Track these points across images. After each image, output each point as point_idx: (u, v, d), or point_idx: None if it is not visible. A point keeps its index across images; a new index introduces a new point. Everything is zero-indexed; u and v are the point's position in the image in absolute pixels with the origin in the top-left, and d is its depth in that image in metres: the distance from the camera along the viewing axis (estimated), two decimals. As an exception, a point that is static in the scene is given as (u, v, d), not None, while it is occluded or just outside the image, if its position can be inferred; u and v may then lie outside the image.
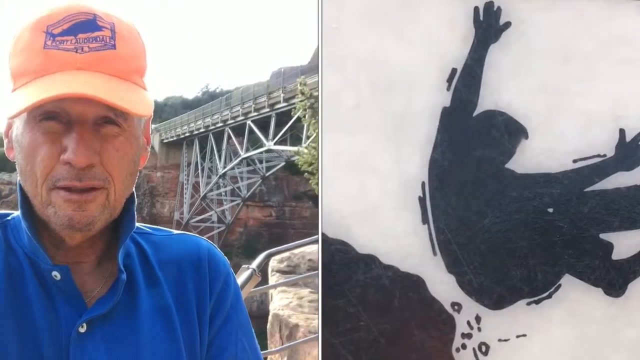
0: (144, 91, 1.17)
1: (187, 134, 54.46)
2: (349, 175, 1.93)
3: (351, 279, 1.91)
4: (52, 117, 1.08)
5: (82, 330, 1.13)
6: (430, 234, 1.93)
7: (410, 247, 1.93)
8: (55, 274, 1.13)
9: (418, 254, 1.93)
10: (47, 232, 1.15)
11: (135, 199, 1.25)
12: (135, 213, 1.26)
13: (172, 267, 1.29)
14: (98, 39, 1.10)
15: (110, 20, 1.12)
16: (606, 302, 1.92)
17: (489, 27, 1.95)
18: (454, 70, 1.94)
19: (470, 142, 1.94)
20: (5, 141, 1.17)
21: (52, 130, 1.08)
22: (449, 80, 1.94)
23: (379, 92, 1.94)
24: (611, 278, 1.91)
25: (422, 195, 1.93)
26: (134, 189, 1.23)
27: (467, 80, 1.94)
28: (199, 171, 52.57)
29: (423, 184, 1.93)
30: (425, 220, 1.93)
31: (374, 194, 1.93)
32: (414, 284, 1.92)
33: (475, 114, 1.95)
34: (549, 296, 1.93)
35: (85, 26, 1.10)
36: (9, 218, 1.23)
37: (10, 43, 1.14)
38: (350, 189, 1.93)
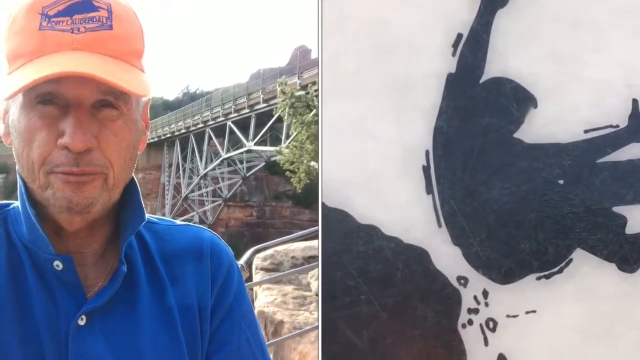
0: (142, 73, 1.15)
1: (168, 135, 54.85)
2: (349, 142, 1.88)
3: (351, 250, 1.85)
4: (49, 101, 1.06)
5: (82, 323, 1.12)
6: (434, 205, 1.86)
7: (413, 217, 1.86)
8: (57, 264, 1.12)
9: (422, 225, 1.86)
10: (47, 221, 1.13)
11: (139, 188, 1.24)
12: (143, 203, 1.23)
13: (174, 258, 1.27)
14: (94, 20, 1.08)
15: (106, 1, 1.10)
16: (619, 277, 1.84)
17: None
18: (459, 35, 1.89)
19: (477, 110, 1.87)
20: (1, 126, 1.17)
21: (48, 114, 1.06)
22: (455, 45, 1.88)
23: (380, 55, 1.89)
24: (625, 253, 1.83)
25: (426, 164, 1.86)
26: (134, 177, 1.21)
27: (473, 45, 1.88)
28: (181, 172, 52.92)
29: (427, 152, 1.87)
30: (429, 190, 1.86)
31: (375, 161, 1.87)
32: (418, 256, 1.86)
33: (481, 80, 1.88)
34: (560, 271, 1.85)
35: (81, 7, 1.08)
36: (8, 208, 1.21)
37: (5, 26, 1.12)
38: (350, 156, 1.87)
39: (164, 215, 50.50)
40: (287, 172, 23.54)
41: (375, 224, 1.85)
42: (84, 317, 1.12)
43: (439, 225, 1.86)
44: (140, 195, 1.23)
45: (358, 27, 1.88)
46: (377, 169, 1.86)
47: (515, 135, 1.86)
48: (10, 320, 1.09)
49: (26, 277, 1.13)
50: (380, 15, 1.88)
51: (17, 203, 1.19)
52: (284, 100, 22.96)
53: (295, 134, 22.98)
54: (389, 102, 1.87)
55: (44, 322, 1.11)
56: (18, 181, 1.14)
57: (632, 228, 1.84)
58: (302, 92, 24.04)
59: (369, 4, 1.89)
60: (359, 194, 1.86)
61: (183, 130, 52.50)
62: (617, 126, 1.85)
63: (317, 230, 1.87)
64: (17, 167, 1.14)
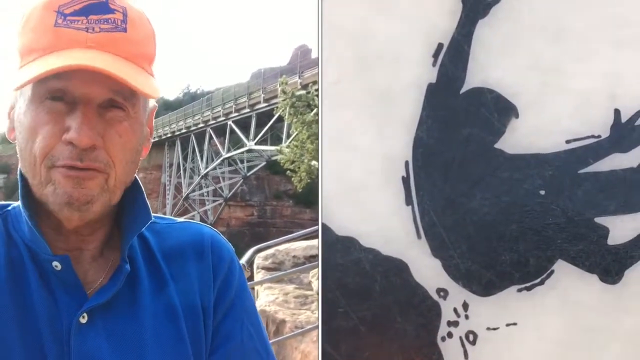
0: (152, 77, 1.16)
1: (169, 135, 54.91)
2: (328, 152, 1.87)
3: (329, 262, 1.84)
4: (57, 98, 1.07)
5: (83, 320, 1.12)
6: (414, 216, 1.85)
7: (392, 229, 1.85)
8: (56, 264, 1.12)
9: (401, 236, 1.85)
10: (47, 218, 1.14)
11: (143, 189, 1.25)
12: (148, 203, 1.24)
13: (175, 256, 1.28)
14: (109, 21, 1.10)
15: (122, 4, 1.13)
16: (602, 289, 1.82)
17: (477, 2, 1.87)
18: (440, 45, 1.88)
19: (458, 120, 1.86)
20: (7, 122, 1.17)
21: (56, 109, 1.07)
22: (435, 55, 1.87)
23: (362, 66, 1.88)
24: (607, 264, 1.82)
25: (405, 175, 1.85)
26: (138, 179, 1.22)
27: (454, 56, 1.87)
28: (181, 172, 52.98)
29: (407, 163, 1.85)
30: (409, 201, 1.85)
31: (354, 172, 1.87)
32: (397, 268, 1.85)
33: (462, 91, 1.87)
34: (541, 282, 1.84)
35: (97, 8, 1.10)
36: (9, 208, 1.22)
37: (20, 22, 1.14)
38: (329, 167, 1.87)
39: (165, 215, 50.84)
40: (288, 172, 23.51)
41: (354, 235, 1.84)
42: (85, 315, 1.12)
43: (419, 236, 1.85)
44: (145, 195, 1.24)
45: (339, 38, 1.88)
46: (356, 180, 1.86)
47: (496, 145, 1.85)
48: (10, 319, 1.10)
49: (27, 276, 1.13)
50: (361, 25, 1.88)
51: (18, 203, 1.19)
52: (284, 100, 22.94)
53: (296, 133, 22.98)
54: (369, 112, 1.87)
55: (45, 320, 1.11)
56: (19, 181, 1.15)
57: (614, 239, 1.82)
58: (303, 92, 24.01)
59: (350, 14, 1.88)
60: (337, 205, 1.85)
61: (184, 130, 52.59)
62: (599, 136, 1.84)
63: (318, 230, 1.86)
64: (19, 166, 1.15)
